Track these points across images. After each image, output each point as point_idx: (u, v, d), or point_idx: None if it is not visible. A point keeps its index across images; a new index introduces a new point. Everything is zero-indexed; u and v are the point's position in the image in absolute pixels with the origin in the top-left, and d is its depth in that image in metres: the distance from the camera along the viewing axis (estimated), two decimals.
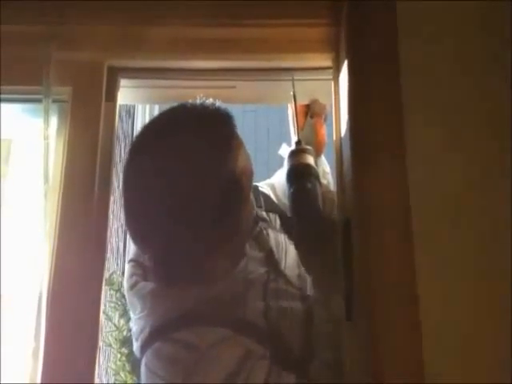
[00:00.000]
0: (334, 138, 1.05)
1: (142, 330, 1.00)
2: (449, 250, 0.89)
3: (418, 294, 0.84)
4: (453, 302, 0.87)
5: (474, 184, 0.92)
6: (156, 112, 4.20)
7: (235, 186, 0.96)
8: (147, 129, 1.01)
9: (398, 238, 0.87)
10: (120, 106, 1.14)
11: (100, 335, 1.02)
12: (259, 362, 0.95)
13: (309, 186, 1.12)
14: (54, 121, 1.09)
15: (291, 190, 1.13)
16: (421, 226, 0.88)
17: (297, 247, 1.14)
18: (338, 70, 1.06)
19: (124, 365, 3.22)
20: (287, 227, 1.21)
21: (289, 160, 1.17)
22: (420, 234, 0.87)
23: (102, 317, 1.03)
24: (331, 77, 1.09)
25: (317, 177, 1.15)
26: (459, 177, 0.92)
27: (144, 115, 4.37)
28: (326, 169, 1.33)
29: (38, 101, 1.05)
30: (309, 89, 1.18)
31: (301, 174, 1.14)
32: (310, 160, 1.16)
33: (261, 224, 1.16)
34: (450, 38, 0.99)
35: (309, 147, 1.18)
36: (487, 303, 0.87)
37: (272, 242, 1.14)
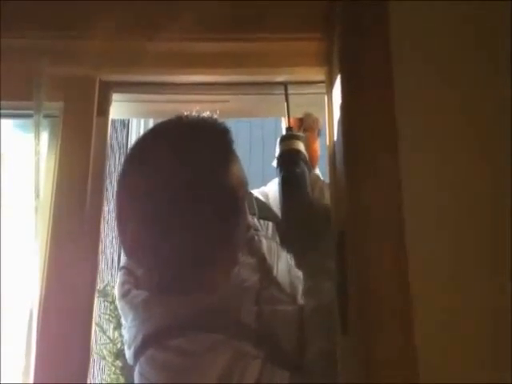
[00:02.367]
0: (328, 151, 1.05)
1: (134, 338, 1.00)
2: (444, 259, 0.88)
3: (412, 300, 0.84)
4: (451, 303, 0.86)
5: (472, 194, 0.91)
6: (151, 123, 4.22)
7: (231, 199, 0.96)
8: (142, 140, 1.01)
9: (392, 248, 0.87)
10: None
11: (92, 349, 1.01)
12: (252, 362, 0.95)
13: (297, 171, 1.12)
14: (45, 136, 1.08)
15: (280, 175, 1.13)
16: (415, 235, 0.87)
17: (286, 235, 1.13)
18: (331, 83, 1.05)
19: (118, 377, 3.21)
20: (280, 233, 1.21)
21: (279, 146, 1.17)
22: (415, 243, 0.87)
23: (94, 330, 1.02)
24: (324, 91, 1.09)
25: (306, 162, 1.15)
26: (456, 186, 0.92)
27: (139, 126, 4.38)
28: None
29: (29, 116, 1.04)
30: (302, 102, 1.18)
31: (290, 160, 1.14)
32: (300, 146, 1.16)
33: (253, 231, 1.15)
34: (447, 44, 0.99)
35: (300, 133, 1.18)
36: (487, 303, 0.86)
37: (264, 249, 1.14)
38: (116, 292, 1.09)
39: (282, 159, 1.15)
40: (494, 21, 0.99)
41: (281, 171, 1.14)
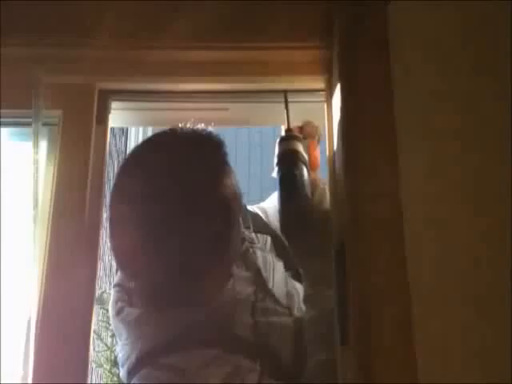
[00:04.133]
0: (327, 160, 1.05)
1: (128, 357, 0.99)
2: (445, 267, 0.89)
3: (412, 310, 0.84)
4: (452, 311, 0.86)
5: (472, 199, 0.92)
6: (150, 130, 4.23)
7: (224, 212, 0.96)
8: (136, 152, 1.01)
9: (392, 257, 0.87)
10: None
11: (91, 356, 1.01)
12: (249, 375, 0.94)
13: (296, 172, 1.11)
14: (43, 144, 1.08)
15: (278, 175, 1.12)
16: (416, 244, 0.88)
17: (286, 238, 1.12)
18: (330, 92, 1.05)
19: None
20: (279, 247, 1.21)
21: (278, 147, 1.16)
22: (415, 253, 0.87)
23: (92, 337, 1.01)
24: (324, 99, 1.09)
25: (305, 163, 1.14)
26: (456, 193, 0.92)
27: (137, 133, 4.38)
28: None
29: (28, 124, 1.04)
30: (302, 111, 1.18)
31: (288, 160, 1.13)
32: (299, 147, 1.15)
33: (247, 244, 1.15)
34: (446, 47, 0.99)
35: (298, 134, 1.18)
36: (487, 303, 0.87)
37: (259, 261, 1.13)
38: (110, 310, 1.09)
39: (280, 159, 1.14)
40: (494, 21, 0.99)
41: (279, 171, 1.13)
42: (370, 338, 0.83)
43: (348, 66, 0.97)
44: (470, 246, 0.90)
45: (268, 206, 1.36)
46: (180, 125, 0.99)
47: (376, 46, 0.98)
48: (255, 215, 1.27)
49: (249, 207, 1.29)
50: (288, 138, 1.15)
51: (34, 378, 0.95)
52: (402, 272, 0.86)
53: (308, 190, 1.11)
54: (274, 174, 1.20)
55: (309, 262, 1.08)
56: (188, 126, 0.99)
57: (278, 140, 1.17)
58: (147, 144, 1.02)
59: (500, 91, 0.96)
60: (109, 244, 0.98)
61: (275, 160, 1.16)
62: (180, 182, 0.92)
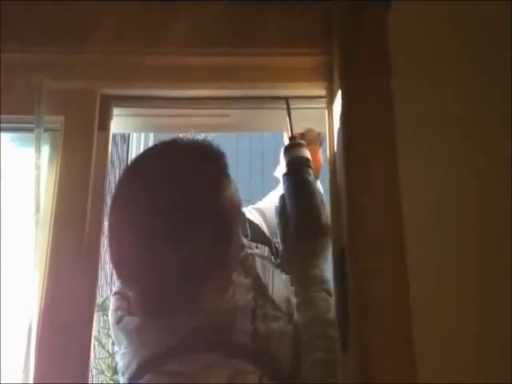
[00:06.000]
0: (328, 166, 1.05)
1: (129, 365, 1.00)
2: (445, 272, 0.89)
3: (411, 315, 0.85)
4: (451, 306, 0.87)
5: (472, 206, 0.92)
6: (151, 138, 4.24)
7: (224, 224, 0.97)
8: (136, 163, 1.02)
9: (392, 264, 0.87)
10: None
11: (91, 363, 1.01)
12: (248, 377, 0.95)
13: (309, 177, 1.12)
14: (45, 150, 1.08)
15: (292, 183, 1.12)
16: (416, 248, 0.88)
17: (294, 240, 1.11)
18: (331, 98, 1.06)
19: None
20: (276, 256, 1.21)
21: (286, 154, 1.16)
22: (415, 258, 0.87)
23: (93, 344, 1.01)
24: (325, 106, 1.09)
25: (314, 171, 1.16)
26: (457, 199, 0.93)
27: (139, 141, 4.39)
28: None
29: (30, 130, 1.04)
30: (302, 117, 1.18)
31: (301, 167, 1.14)
32: (308, 154, 1.16)
33: (247, 250, 1.15)
34: (446, 51, 1.00)
35: (302, 141, 1.18)
36: (487, 304, 0.87)
37: (259, 267, 1.14)
38: (109, 318, 1.09)
39: (292, 166, 1.14)
40: (494, 21, 0.99)
41: (292, 178, 1.13)
42: (370, 340, 0.83)
43: (348, 71, 0.97)
44: (470, 247, 0.90)
45: (264, 206, 1.37)
46: (180, 135, 1.00)
47: (376, 53, 0.98)
48: (254, 224, 1.28)
49: (245, 209, 1.28)
50: (295, 145, 1.16)
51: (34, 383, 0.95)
52: (403, 274, 0.86)
53: (320, 195, 1.12)
54: (276, 172, 1.19)
55: (307, 264, 1.08)
56: (188, 136, 1.00)
57: (284, 147, 1.18)
58: (148, 154, 1.03)
59: (501, 93, 0.96)
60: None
61: (283, 166, 1.16)
62: (178, 194, 0.93)
